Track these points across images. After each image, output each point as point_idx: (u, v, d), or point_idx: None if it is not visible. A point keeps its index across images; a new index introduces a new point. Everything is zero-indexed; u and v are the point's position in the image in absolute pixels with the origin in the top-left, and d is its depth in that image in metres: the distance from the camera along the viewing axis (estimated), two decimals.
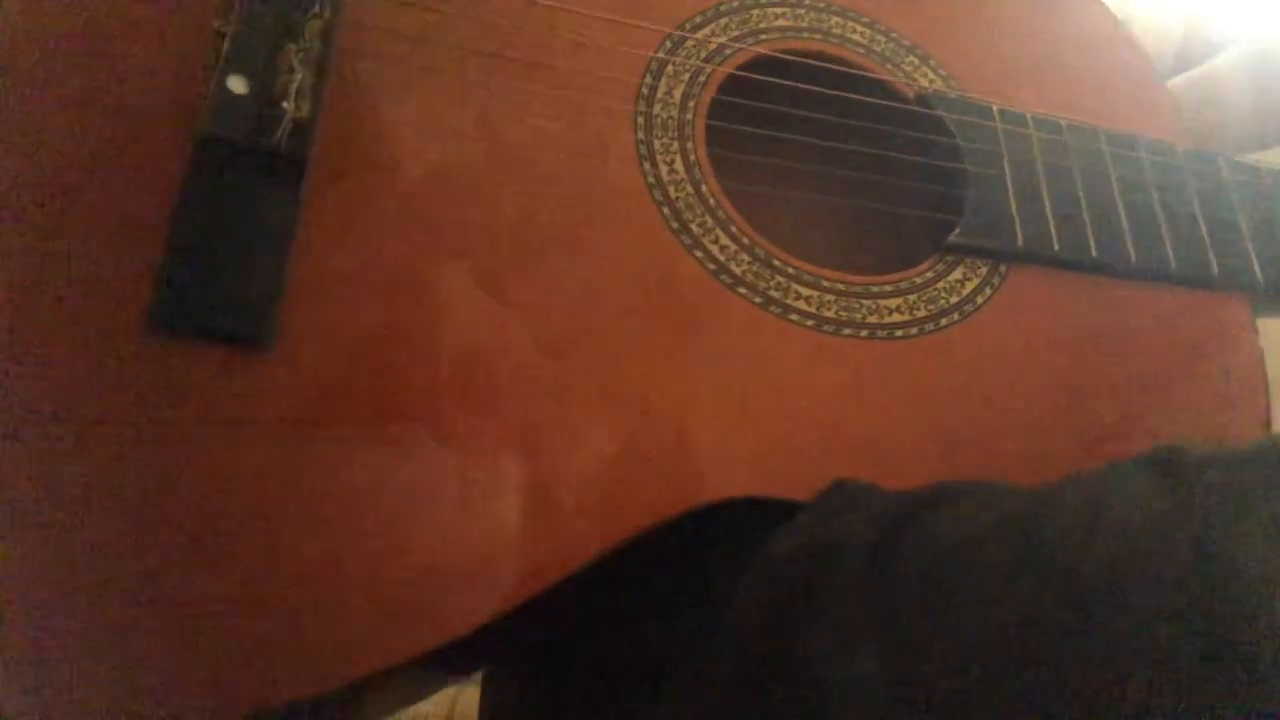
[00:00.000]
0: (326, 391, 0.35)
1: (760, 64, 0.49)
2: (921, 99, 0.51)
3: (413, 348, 0.37)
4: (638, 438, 0.38)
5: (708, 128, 0.47)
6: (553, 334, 0.39)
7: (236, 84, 0.38)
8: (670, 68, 0.47)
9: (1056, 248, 0.48)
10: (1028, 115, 0.51)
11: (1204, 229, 0.51)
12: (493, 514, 0.35)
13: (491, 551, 0.35)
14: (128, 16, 0.38)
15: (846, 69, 0.50)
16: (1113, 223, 0.50)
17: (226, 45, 0.38)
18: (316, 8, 0.40)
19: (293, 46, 0.39)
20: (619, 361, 0.39)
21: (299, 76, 0.38)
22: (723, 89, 0.48)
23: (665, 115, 0.46)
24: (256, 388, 0.34)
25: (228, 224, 0.36)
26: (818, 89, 0.49)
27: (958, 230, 0.47)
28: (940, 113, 0.50)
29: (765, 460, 0.39)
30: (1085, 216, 0.49)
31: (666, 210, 0.43)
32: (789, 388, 0.41)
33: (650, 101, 0.46)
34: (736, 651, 0.35)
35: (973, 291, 0.46)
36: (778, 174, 0.49)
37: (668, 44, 0.47)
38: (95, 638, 0.29)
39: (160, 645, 0.30)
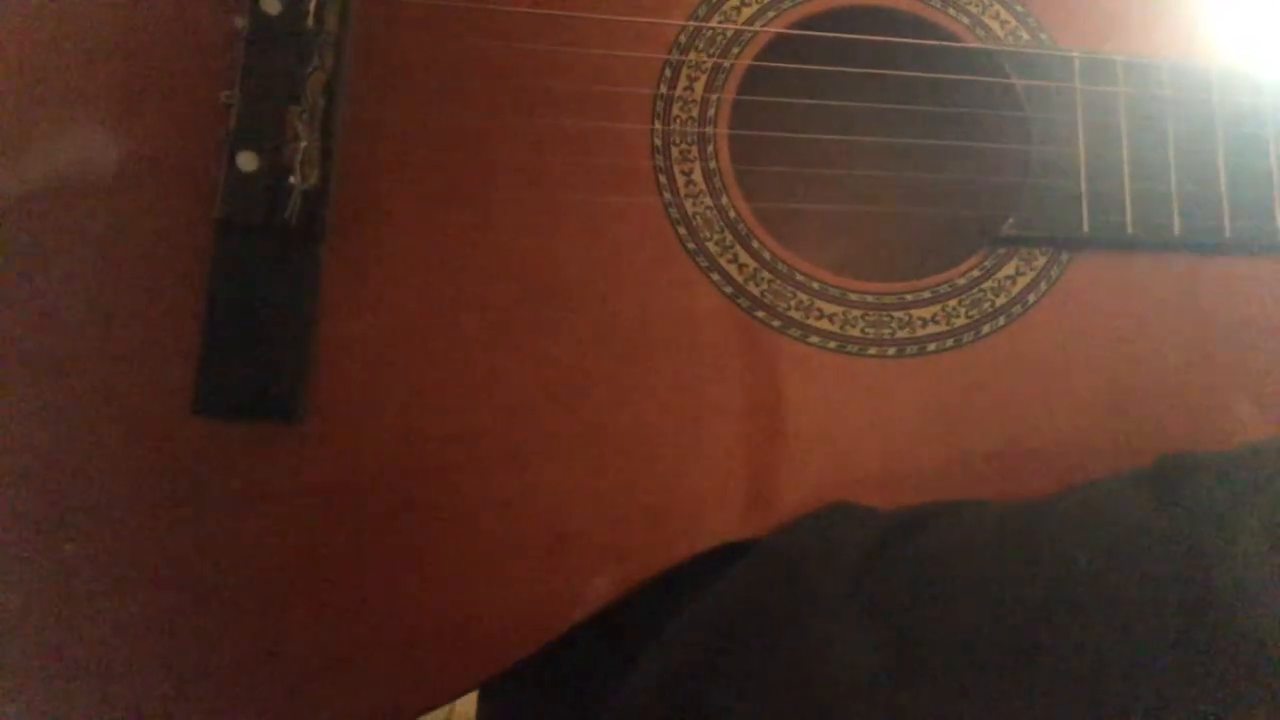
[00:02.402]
0: (355, 460, 0.39)
1: (792, 40, 0.45)
2: (987, 62, 0.45)
3: (433, 409, 0.39)
4: (640, 488, 0.39)
5: (737, 122, 0.44)
6: (561, 380, 0.40)
7: (246, 161, 0.39)
8: (691, 57, 0.44)
9: (1130, 230, 0.43)
10: (1118, 62, 0.45)
11: None
12: (513, 572, 0.38)
13: (512, 606, 0.38)
14: (138, 101, 0.40)
15: (892, 39, 0.45)
16: (1209, 191, 0.44)
17: (233, 120, 0.39)
18: (316, 60, 0.40)
19: (296, 109, 0.40)
20: (625, 407, 0.40)
21: (303, 144, 0.39)
22: (751, 74, 0.44)
23: (685, 118, 0.43)
24: (292, 460, 0.38)
25: (254, 303, 0.39)
26: (854, 70, 0.44)
27: (1011, 220, 0.43)
28: (1010, 80, 0.44)
29: (778, 504, 0.40)
30: (1173, 188, 0.44)
31: (683, 229, 0.42)
32: (806, 423, 0.41)
33: (668, 106, 0.43)
34: (715, 630, 0.37)
35: (1024, 289, 0.43)
36: (817, 180, 0.46)
37: (684, 35, 0.44)
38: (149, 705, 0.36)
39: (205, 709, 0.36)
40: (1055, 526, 0.35)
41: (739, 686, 0.36)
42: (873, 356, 0.42)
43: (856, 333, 0.42)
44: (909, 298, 0.43)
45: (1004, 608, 0.33)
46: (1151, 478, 0.35)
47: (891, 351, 0.42)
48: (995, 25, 0.46)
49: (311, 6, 0.40)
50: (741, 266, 0.42)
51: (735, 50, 0.44)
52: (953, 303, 0.43)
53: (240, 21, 0.40)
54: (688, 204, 0.42)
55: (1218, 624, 0.30)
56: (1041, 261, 0.43)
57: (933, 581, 0.35)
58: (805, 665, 0.34)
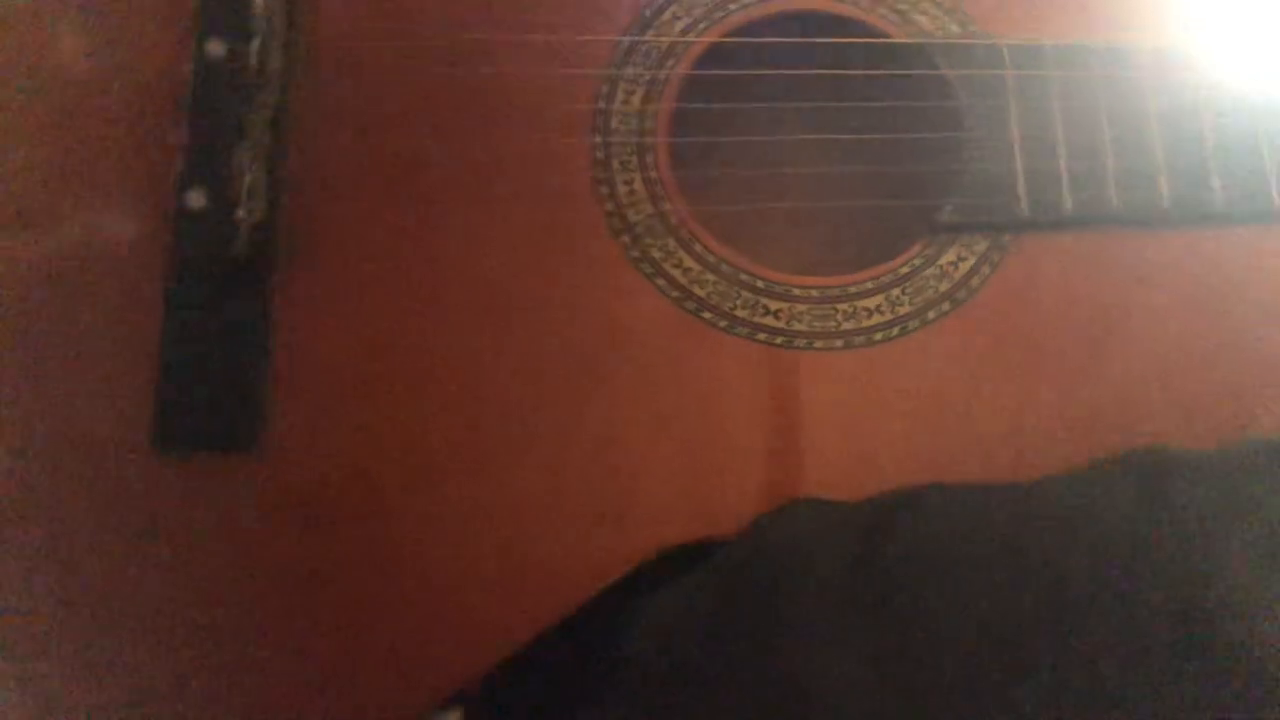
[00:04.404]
0: (316, 484, 0.39)
1: (727, 48, 0.46)
2: (919, 56, 0.46)
3: (390, 430, 0.40)
4: (599, 496, 0.40)
5: (676, 130, 0.45)
6: (515, 395, 0.41)
7: (195, 199, 0.41)
8: (627, 71, 0.45)
9: (1070, 208, 0.44)
10: (1045, 47, 0.45)
11: (1266, 154, 0.44)
12: (466, 587, 0.39)
13: (478, 616, 0.39)
14: (94, 139, 0.41)
15: (824, 40, 0.46)
16: (1145, 165, 0.44)
17: (180, 160, 0.41)
18: (261, 98, 0.42)
19: (242, 146, 0.41)
20: (581, 417, 0.41)
21: (249, 178, 0.41)
22: (690, 83, 0.45)
23: (624, 130, 0.44)
24: (253, 489, 0.39)
25: (208, 336, 0.40)
26: (791, 72, 0.45)
27: (949, 207, 0.44)
28: (940, 70, 0.45)
29: (736, 503, 0.40)
30: (1109, 164, 0.44)
31: (625, 238, 0.43)
32: (760, 421, 0.41)
33: (607, 120, 0.44)
34: (689, 643, 0.37)
35: (967, 274, 0.43)
36: (765, 182, 0.47)
37: (621, 49, 0.45)
38: None
39: None
40: (1039, 530, 0.34)
41: (719, 705, 0.36)
42: (819, 350, 0.42)
43: (803, 327, 0.42)
44: (853, 289, 0.43)
45: (990, 619, 0.32)
46: (1133, 476, 0.35)
47: (839, 344, 0.42)
48: (924, 20, 0.47)
49: (255, 47, 0.42)
50: (685, 270, 0.43)
51: (670, 62, 0.45)
52: (896, 291, 0.43)
53: (186, 66, 0.42)
54: (629, 213, 0.43)
55: (1211, 638, 0.29)
56: (983, 246, 0.44)
57: (914, 591, 0.34)
58: (788, 685, 0.34)
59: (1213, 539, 0.31)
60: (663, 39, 0.46)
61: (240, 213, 0.40)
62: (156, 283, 0.40)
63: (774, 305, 0.43)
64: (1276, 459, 0.33)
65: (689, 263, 0.43)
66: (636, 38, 0.46)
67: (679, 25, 0.46)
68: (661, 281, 0.43)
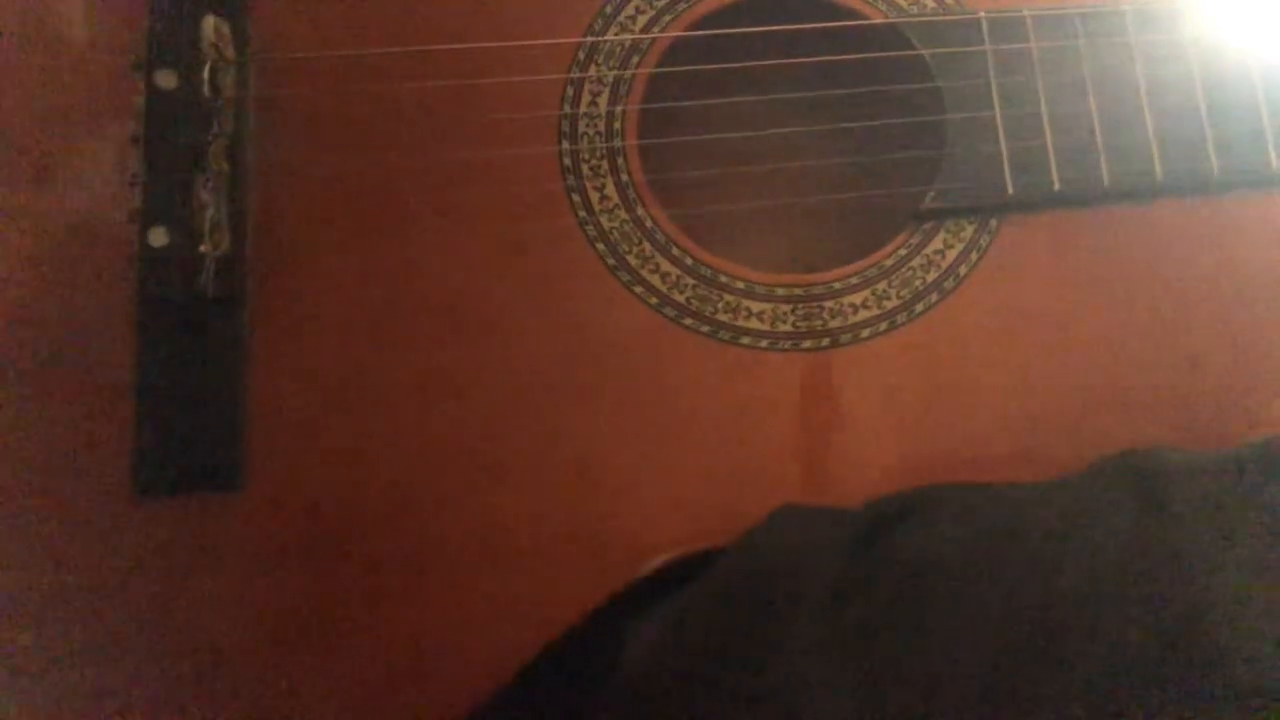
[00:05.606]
0: (300, 518, 0.39)
1: (693, 41, 0.44)
2: (894, 37, 0.44)
3: (371, 458, 0.39)
4: (583, 516, 0.39)
5: (645, 130, 0.43)
6: (496, 415, 0.40)
7: (156, 237, 0.40)
8: (592, 72, 0.44)
9: (1058, 186, 0.42)
10: (1026, 17, 0.43)
11: (1265, 119, 0.42)
12: (455, 613, 0.38)
13: (471, 640, 0.38)
14: (51, 187, 0.40)
15: (794, 26, 0.44)
16: (1135, 136, 0.42)
17: (139, 198, 0.40)
18: (216, 127, 0.41)
19: (201, 178, 0.40)
20: (563, 434, 0.40)
21: (210, 211, 0.40)
22: (656, 81, 0.44)
23: (592, 134, 0.43)
24: (238, 527, 0.39)
25: (182, 376, 0.39)
26: (761, 63, 0.44)
27: (931, 193, 0.42)
28: (917, 50, 0.43)
29: (729, 514, 0.39)
30: (1098, 138, 0.42)
31: (601, 246, 0.42)
32: (748, 428, 0.40)
33: (574, 124, 0.43)
34: (676, 670, 0.36)
35: (954, 261, 0.42)
36: (742, 179, 0.46)
37: (582, 52, 0.44)
38: None
39: None
40: (1033, 545, 0.33)
41: None
42: (807, 350, 0.41)
43: (788, 328, 0.41)
44: (838, 285, 0.42)
45: (979, 639, 0.32)
46: (1128, 485, 0.34)
47: (825, 343, 0.41)
48: None
49: (206, 75, 0.41)
50: (664, 275, 0.42)
51: (635, 59, 0.44)
52: (882, 285, 0.42)
53: (138, 99, 0.41)
54: (603, 220, 0.42)
55: (1209, 657, 0.29)
56: (970, 231, 0.42)
57: (902, 610, 0.34)
58: (776, 706, 0.33)
59: (1211, 558, 0.30)
60: (625, 36, 0.44)
61: (204, 247, 0.39)
62: (126, 325, 0.39)
63: (757, 307, 0.41)
64: (1269, 467, 0.32)
65: (667, 267, 0.42)
66: (598, 37, 0.44)
67: (642, 20, 0.45)
68: (640, 289, 0.41)
